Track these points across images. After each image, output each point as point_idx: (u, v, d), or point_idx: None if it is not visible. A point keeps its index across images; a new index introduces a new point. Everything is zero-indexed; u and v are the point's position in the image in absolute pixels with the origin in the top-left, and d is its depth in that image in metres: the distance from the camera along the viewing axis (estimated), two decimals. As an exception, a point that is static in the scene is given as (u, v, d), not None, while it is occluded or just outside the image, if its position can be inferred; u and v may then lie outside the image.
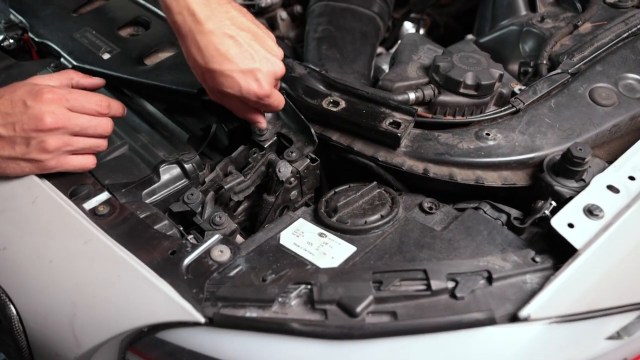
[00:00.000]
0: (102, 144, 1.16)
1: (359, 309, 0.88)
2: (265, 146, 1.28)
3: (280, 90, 1.24)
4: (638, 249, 0.96)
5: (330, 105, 1.27)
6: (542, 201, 1.09)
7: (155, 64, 1.44)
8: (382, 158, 1.20)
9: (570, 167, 1.08)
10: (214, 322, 0.90)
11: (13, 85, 1.10)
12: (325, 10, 1.81)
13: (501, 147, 1.19)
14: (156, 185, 1.19)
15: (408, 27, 2.19)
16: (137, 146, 1.25)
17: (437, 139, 1.21)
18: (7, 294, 1.01)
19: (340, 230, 1.10)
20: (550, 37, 1.49)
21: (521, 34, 1.63)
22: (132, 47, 1.49)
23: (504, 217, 1.11)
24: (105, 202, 1.09)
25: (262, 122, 1.25)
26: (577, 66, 1.35)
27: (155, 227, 1.07)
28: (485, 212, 1.12)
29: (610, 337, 0.92)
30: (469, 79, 1.25)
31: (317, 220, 1.14)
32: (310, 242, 1.07)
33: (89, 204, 1.08)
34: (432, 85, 1.31)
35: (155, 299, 0.93)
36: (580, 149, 1.07)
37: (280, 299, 0.91)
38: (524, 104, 1.26)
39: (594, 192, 1.03)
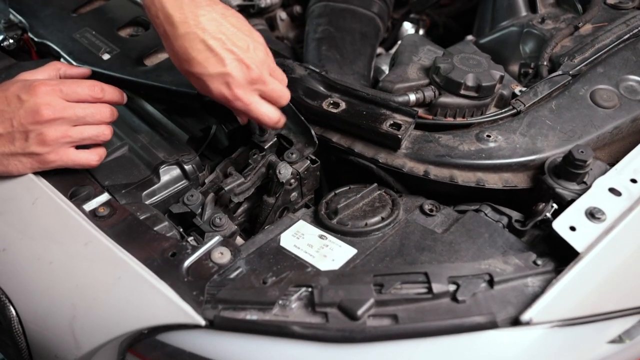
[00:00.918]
0: (104, 131, 1.15)
1: (359, 312, 0.87)
2: (266, 147, 1.28)
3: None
4: (640, 252, 0.96)
5: (331, 106, 1.27)
6: (544, 204, 1.08)
7: (155, 65, 1.43)
8: (383, 160, 1.20)
9: (572, 169, 1.08)
10: (214, 324, 0.90)
11: (4, 84, 1.11)
12: (325, 11, 1.81)
13: (502, 149, 1.18)
14: (156, 186, 1.19)
15: (407, 27, 2.19)
16: (137, 147, 1.25)
17: (437, 141, 1.21)
18: (7, 295, 1.01)
19: (340, 232, 1.10)
20: (551, 38, 1.49)
21: (521, 35, 1.63)
22: (131, 47, 1.48)
23: (505, 220, 1.11)
24: (106, 204, 1.09)
25: (243, 119, 1.25)
26: (578, 68, 1.35)
27: (155, 228, 1.07)
28: (486, 215, 1.12)
29: (612, 341, 0.92)
30: (470, 81, 1.25)
31: (318, 222, 1.14)
32: (310, 244, 1.07)
33: (89, 205, 1.08)
34: (432, 87, 1.31)
35: (156, 301, 0.92)
36: (582, 152, 1.07)
37: (280, 302, 0.91)
38: (524, 105, 1.26)
39: (596, 194, 1.03)
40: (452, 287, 0.91)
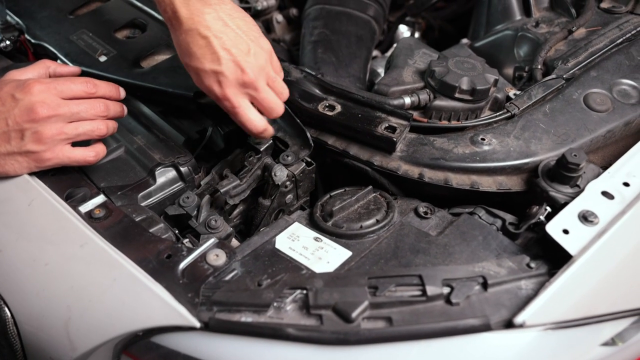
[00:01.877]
0: (99, 126, 1.15)
1: (354, 315, 0.88)
2: (261, 150, 1.28)
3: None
4: (633, 255, 0.96)
5: (326, 109, 1.27)
6: (537, 207, 1.09)
7: (151, 67, 1.44)
8: (378, 162, 1.21)
9: (565, 172, 1.09)
10: (209, 326, 0.90)
11: None
12: (321, 14, 1.81)
13: (496, 152, 1.19)
14: (152, 188, 1.19)
15: (403, 30, 2.20)
16: (133, 149, 1.25)
17: (432, 144, 1.22)
18: (2, 296, 1.01)
19: (335, 235, 1.10)
20: (545, 42, 1.49)
21: (516, 39, 1.64)
22: (128, 49, 1.49)
23: (499, 223, 1.11)
24: (101, 205, 1.09)
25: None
26: (571, 71, 1.36)
27: (151, 230, 1.07)
28: (480, 217, 1.12)
29: (605, 344, 0.92)
30: (464, 84, 1.26)
31: (313, 224, 1.14)
32: (305, 246, 1.07)
33: (85, 207, 1.09)
34: (427, 90, 1.31)
35: (151, 303, 0.93)
36: (575, 155, 1.07)
37: (275, 304, 0.91)
38: (519, 109, 1.27)
39: (589, 198, 1.04)
40: (446, 290, 0.92)
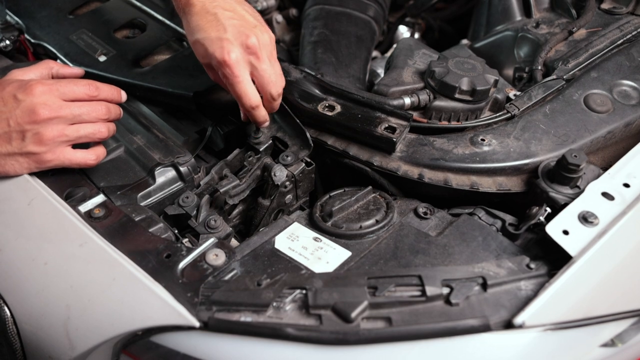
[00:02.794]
0: (100, 129, 1.15)
1: (353, 315, 0.88)
2: (261, 150, 1.28)
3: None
4: (633, 256, 0.96)
5: (326, 109, 1.27)
6: (537, 207, 1.09)
7: (151, 67, 1.44)
8: (378, 163, 1.21)
9: (565, 173, 1.09)
10: (208, 326, 0.90)
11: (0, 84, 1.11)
12: (321, 14, 1.81)
13: (496, 152, 1.19)
14: (151, 188, 1.19)
15: (403, 31, 2.20)
16: (133, 148, 1.25)
17: (432, 144, 1.22)
18: (2, 295, 1.01)
19: (335, 235, 1.10)
20: (545, 43, 1.49)
21: (516, 40, 1.64)
22: (128, 49, 1.49)
23: (498, 223, 1.11)
24: (101, 205, 1.09)
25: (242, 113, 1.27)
26: (572, 72, 1.36)
27: (150, 230, 1.07)
28: (480, 218, 1.12)
29: (605, 345, 0.93)
30: (465, 85, 1.26)
31: (312, 224, 1.14)
32: (305, 246, 1.07)
33: (85, 207, 1.09)
34: (427, 90, 1.31)
35: (150, 302, 0.93)
36: (575, 156, 1.07)
37: (275, 304, 0.91)
38: (519, 109, 1.27)
39: (589, 199, 1.04)
40: (445, 290, 0.92)
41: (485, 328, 0.87)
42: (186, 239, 1.14)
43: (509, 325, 0.87)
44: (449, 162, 1.18)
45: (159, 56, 1.49)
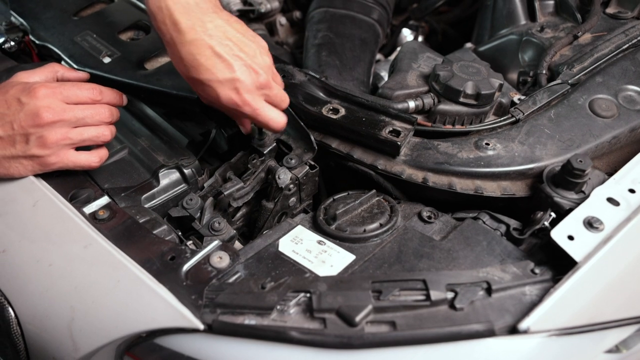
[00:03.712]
0: (104, 132, 1.15)
1: (358, 318, 0.88)
2: (265, 152, 1.28)
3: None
4: (638, 262, 0.96)
5: (330, 112, 1.27)
6: (542, 212, 1.09)
7: (155, 69, 1.43)
8: (382, 166, 1.21)
9: (570, 178, 1.09)
10: (212, 328, 0.90)
11: (4, 86, 1.11)
12: (325, 17, 1.81)
13: (501, 157, 1.19)
14: (155, 189, 1.19)
15: (406, 34, 2.20)
16: (137, 150, 1.25)
17: (436, 148, 1.22)
18: (6, 296, 1.01)
19: (339, 238, 1.10)
20: (550, 47, 1.49)
21: (521, 44, 1.64)
22: (132, 51, 1.49)
23: (503, 228, 1.11)
24: (105, 207, 1.09)
25: (243, 128, 1.28)
26: (577, 77, 1.36)
27: (155, 232, 1.07)
28: (484, 222, 1.12)
29: (609, 351, 0.93)
30: (469, 88, 1.26)
31: (316, 227, 1.14)
32: (309, 249, 1.07)
33: (89, 208, 1.09)
34: (431, 94, 1.31)
35: (154, 304, 0.93)
36: (581, 161, 1.07)
37: (279, 307, 0.91)
38: (523, 114, 1.27)
39: (594, 204, 1.03)
40: (450, 295, 0.91)
41: (489, 333, 0.87)
42: (190, 241, 1.14)
43: (513, 330, 0.87)
44: (453, 166, 1.18)
45: (163, 58, 1.49)
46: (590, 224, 0.99)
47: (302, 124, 1.27)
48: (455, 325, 0.88)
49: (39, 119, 1.06)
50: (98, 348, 0.94)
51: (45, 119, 1.06)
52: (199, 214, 1.18)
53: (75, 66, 1.41)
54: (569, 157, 1.09)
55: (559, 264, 0.96)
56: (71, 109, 1.10)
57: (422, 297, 0.91)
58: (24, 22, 1.58)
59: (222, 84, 1.10)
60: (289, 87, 1.30)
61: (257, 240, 1.10)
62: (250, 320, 0.90)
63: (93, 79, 1.30)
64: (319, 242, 1.09)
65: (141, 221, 1.09)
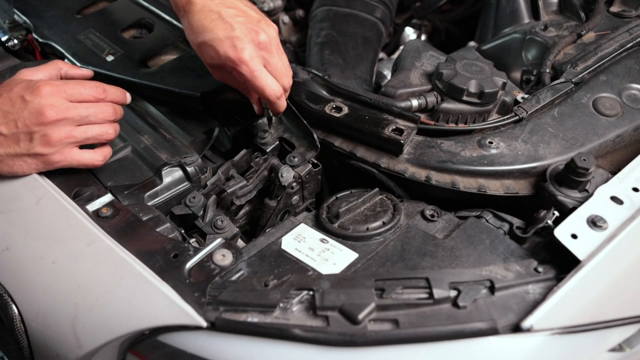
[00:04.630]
0: (108, 130, 1.15)
1: (360, 316, 0.88)
2: (268, 150, 1.28)
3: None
4: (641, 261, 0.96)
5: (333, 110, 1.27)
6: (545, 211, 1.09)
7: (158, 67, 1.44)
8: (385, 165, 1.21)
9: (574, 177, 1.08)
10: (215, 326, 0.90)
11: (8, 84, 1.11)
12: (328, 15, 1.81)
13: (504, 155, 1.19)
14: (158, 187, 1.19)
15: (409, 32, 2.20)
16: (140, 148, 1.25)
17: (439, 147, 1.22)
18: (10, 293, 1.01)
19: (341, 236, 1.10)
20: (554, 45, 1.49)
21: (524, 42, 1.64)
22: (135, 49, 1.49)
23: (506, 226, 1.11)
24: (109, 204, 1.09)
25: (256, 106, 1.29)
26: (580, 75, 1.35)
27: (158, 229, 1.07)
28: (487, 221, 1.12)
29: (612, 350, 0.92)
30: (472, 87, 1.26)
31: (319, 225, 1.14)
32: (311, 247, 1.07)
33: (92, 206, 1.09)
34: (435, 93, 1.31)
35: (157, 302, 0.93)
36: (584, 160, 1.07)
37: (282, 305, 0.91)
38: (527, 112, 1.26)
39: (598, 203, 1.03)
40: (453, 293, 0.91)
41: (492, 331, 0.87)
42: (193, 239, 1.14)
43: (516, 328, 0.87)
44: (456, 164, 1.18)
45: (166, 56, 1.50)
46: (594, 222, 0.99)
47: (305, 122, 1.27)
48: (458, 324, 0.88)
49: (43, 117, 1.06)
50: (101, 345, 0.94)
51: (49, 117, 1.06)
52: (201, 212, 1.18)
53: (78, 64, 1.41)
54: (572, 156, 1.09)
55: (562, 263, 0.96)
56: (75, 107, 1.10)
57: (425, 295, 0.91)
58: (27, 20, 1.58)
59: (222, 41, 1.12)
60: (292, 85, 1.30)
61: (260, 238, 1.10)
62: (253, 317, 0.90)
63: (96, 77, 1.30)
64: (322, 240, 1.09)
65: (144, 219, 1.09)
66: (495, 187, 1.17)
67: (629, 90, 1.32)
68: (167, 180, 1.20)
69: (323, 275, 0.98)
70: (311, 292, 0.92)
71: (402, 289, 0.92)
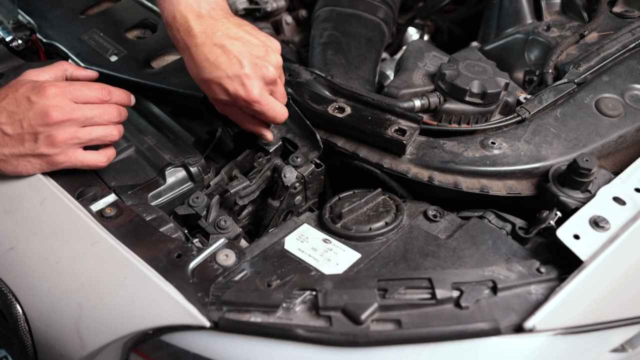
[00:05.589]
0: (112, 132, 1.16)
1: (363, 317, 0.88)
2: (271, 151, 1.28)
3: (287, 95, 1.25)
4: (644, 261, 0.96)
5: (336, 111, 1.27)
6: (547, 211, 1.09)
7: (162, 67, 1.44)
8: (387, 165, 1.21)
9: (576, 177, 1.08)
10: (218, 326, 0.90)
11: (14, 84, 1.12)
12: (331, 16, 1.81)
13: (506, 156, 1.19)
14: (162, 187, 1.20)
15: (412, 32, 2.19)
16: (144, 148, 1.26)
17: (442, 147, 1.22)
18: (14, 293, 1.02)
19: (344, 237, 1.10)
20: (556, 46, 1.49)
21: (527, 43, 1.63)
22: (139, 49, 1.49)
23: (508, 227, 1.11)
24: (112, 204, 1.10)
25: (267, 134, 1.27)
26: (583, 76, 1.35)
27: (161, 229, 1.08)
28: (490, 221, 1.12)
29: (615, 350, 0.93)
30: (475, 87, 1.26)
31: (322, 226, 1.14)
32: (314, 247, 1.07)
33: (96, 206, 1.09)
34: (437, 93, 1.31)
35: (161, 301, 0.93)
36: (587, 160, 1.07)
37: (285, 305, 0.91)
38: (529, 113, 1.27)
39: (600, 203, 1.03)
40: (455, 293, 0.92)
41: (495, 332, 0.87)
42: (196, 239, 1.14)
43: (519, 329, 0.87)
44: (459, 165, 1.18)
45: (170, 56, 1.50)
46: (596, 223, 0.99)
47: (307, 122, 1.27)
48: (460, 324, 0.88)
49: (48, 118, 1.06)
50: (105, 345, 0.94)
51: (54, 118, 1.07)
52: (205, 212, 1.18)
53: (82, 64, 1.42)
54: (575, 156, 1.09)
55: (565, 263, 0.96)
56: (80, 108, 1.11)
57: (428, 296, 0.91)
58: (32, 21, 1.59)
59: (231, 79, 1.11)
60: (295, 86, 1.30)
61: (263, 239, 1.10)
62: (256, 317, 0.90)
63: (100, 78, 1.31)
64: (325, 241, 1.09)
65: (148, 219, 1.09)
66: (497, 188, 1.17)
67: (632, 91, 1.32)
68: (170, 180, 1.21)
69: (326, 276, 0.99)
70: (314, 292, 0.93)
71: (405, 289, 0.92)
